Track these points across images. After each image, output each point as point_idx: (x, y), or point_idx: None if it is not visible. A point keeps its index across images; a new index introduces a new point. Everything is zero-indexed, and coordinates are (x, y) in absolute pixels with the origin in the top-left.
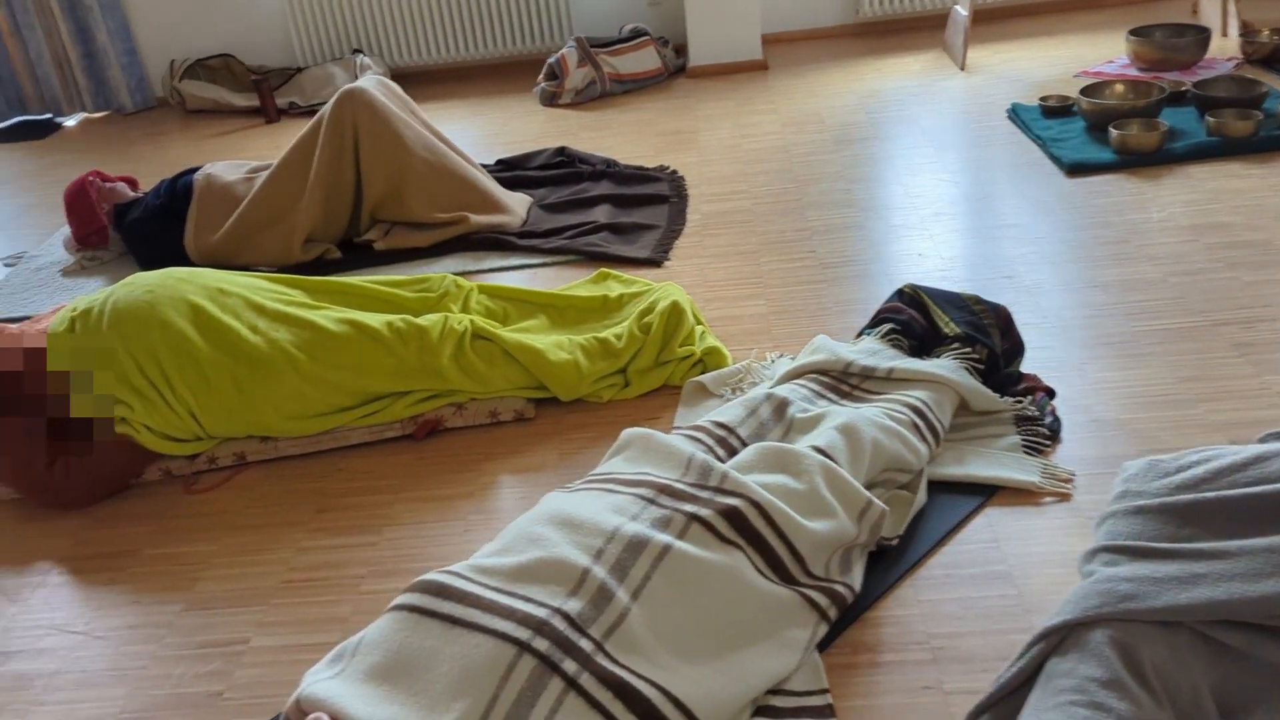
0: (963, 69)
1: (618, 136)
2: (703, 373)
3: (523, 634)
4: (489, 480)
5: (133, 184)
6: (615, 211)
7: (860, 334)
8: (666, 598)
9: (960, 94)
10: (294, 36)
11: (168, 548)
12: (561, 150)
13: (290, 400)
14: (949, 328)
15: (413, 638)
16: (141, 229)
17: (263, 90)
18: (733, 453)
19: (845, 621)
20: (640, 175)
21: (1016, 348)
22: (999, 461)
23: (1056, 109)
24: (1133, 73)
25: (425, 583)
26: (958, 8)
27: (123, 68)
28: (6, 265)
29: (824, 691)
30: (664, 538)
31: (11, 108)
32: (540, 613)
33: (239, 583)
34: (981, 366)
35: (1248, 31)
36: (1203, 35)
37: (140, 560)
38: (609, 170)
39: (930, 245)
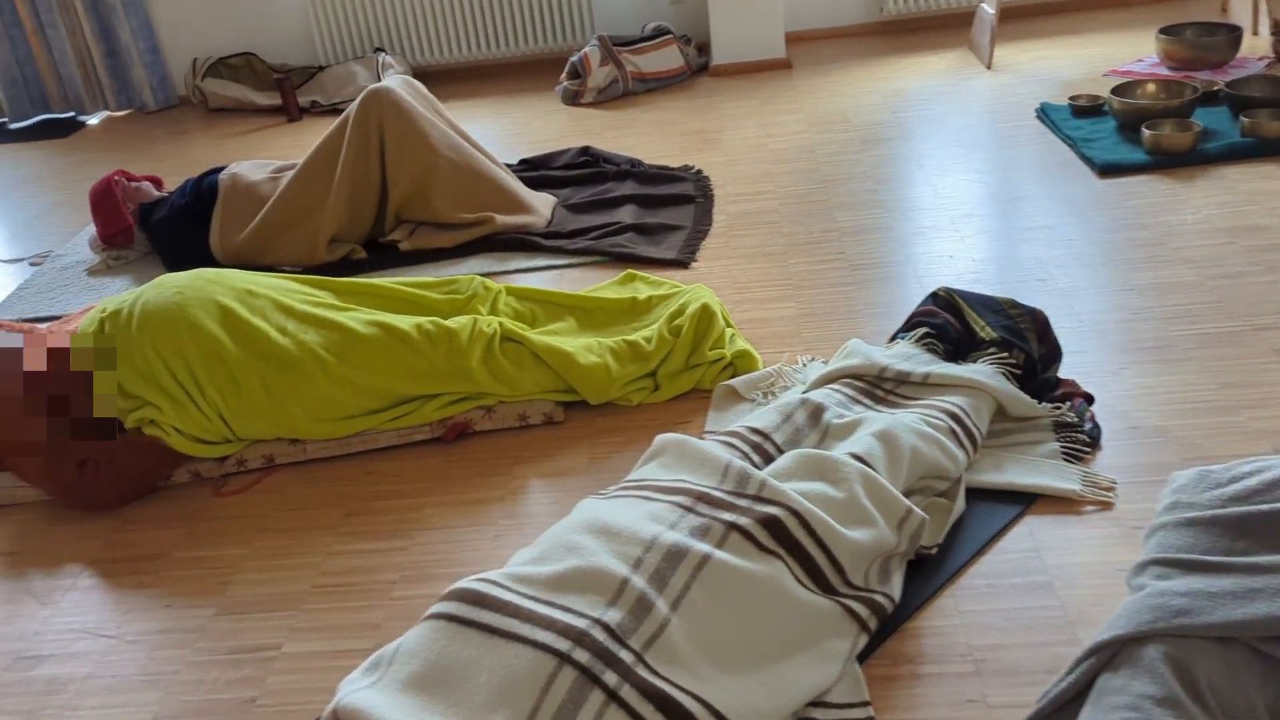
0: (989, 68)
1: (641, 136)
2: (733, 376)
3: (563, 645)
4: (519, 484)
5: (158, 183)
6: (640, 212)
7: (894, 338)
8: (706, 608)
9: (987, 93)
10: (316, 35)
11: (198, 551)
12: (585, 150)
13: (319, 402)
14: (985, 332)
15: (451, 647)
16: (167, 228)
17: (285, 89)
18: (768, 459)
19: (885, 632)
20: (665, 175)
21: (1054, 352)
22: (1038, 469)
23: (1087, 109)
24: (1163, 72)
25: (462, 591)
26: (984, 6)
27: (145, 66)
28: (32, 265)
29: (865, 704)
30: (703, 547)
31: (35, 106)
32: (580, 623)
33: (270, 587)
34: (1019, 371)
35: (1279, 30)
36: (1234, 34)
37: (170, 563)
38: (633, 170)
39: (961, 247)
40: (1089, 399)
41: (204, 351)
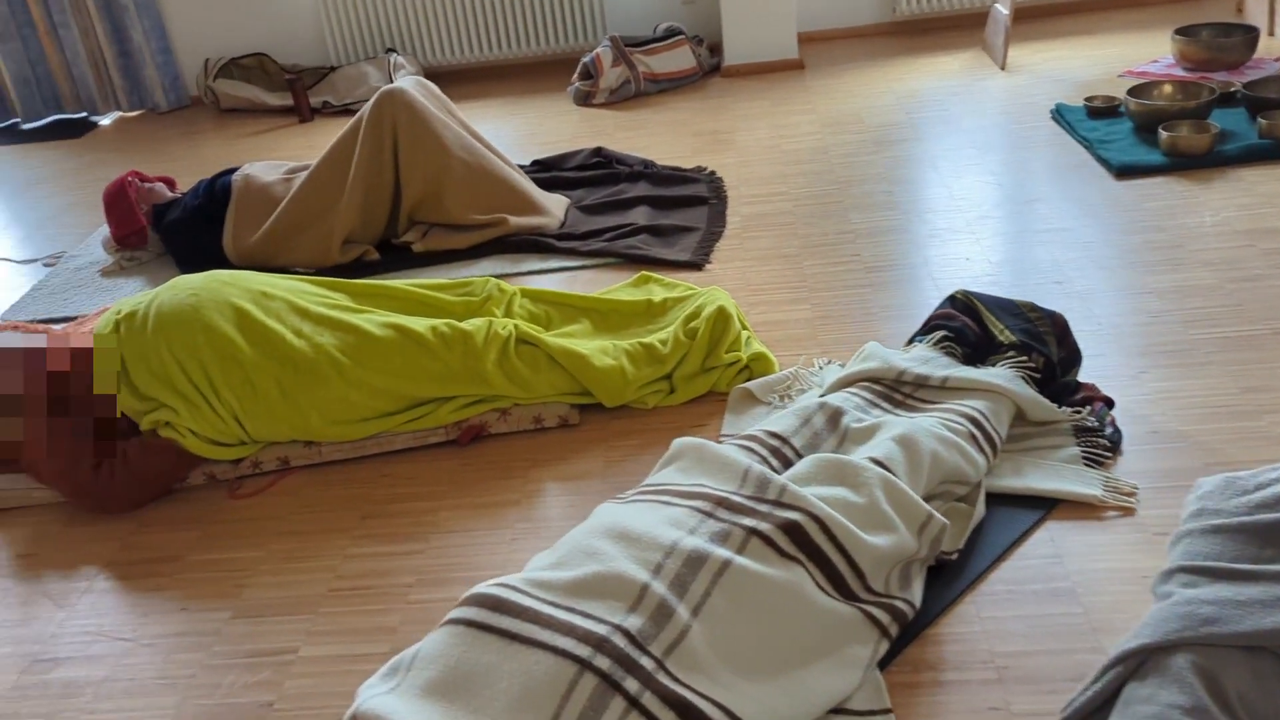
0: (1003, 68)
1: (653, 137)
2: (749, 379)
3: (583, 651)
4: (535, 488)
5: (171, 184)
6: (654, 213)
7: (911, 341)
8: (727, 614)
9: (1001, 94)
10: (327, 35)
11: (213, 553)
12: (598, 151)
13: (334, 405)
14: (1004, 335)
15: (470, 653)
16: (180, 229)
17: (296, 89)
18: (787, 463)
19: (906, 639)
20: (678, 176)
21: (1073, 356)
22: (1059, 474)
23: (1102, 110)
24: (1179, 73)
25: (481, 596)
26: (998, 6)
27: (157, 67)
28: (46, 265)
29: (887, 711)
30: (723, 553)
31: (47, 106)
32: (600, 629)
33: (286, 590)
34: (1038, 375)
35: None
36: (1251, 35)
37: (186, 566)
38: (646, 171)
39: (977, 249)
40: (1109, 403)
41: (219, 353)
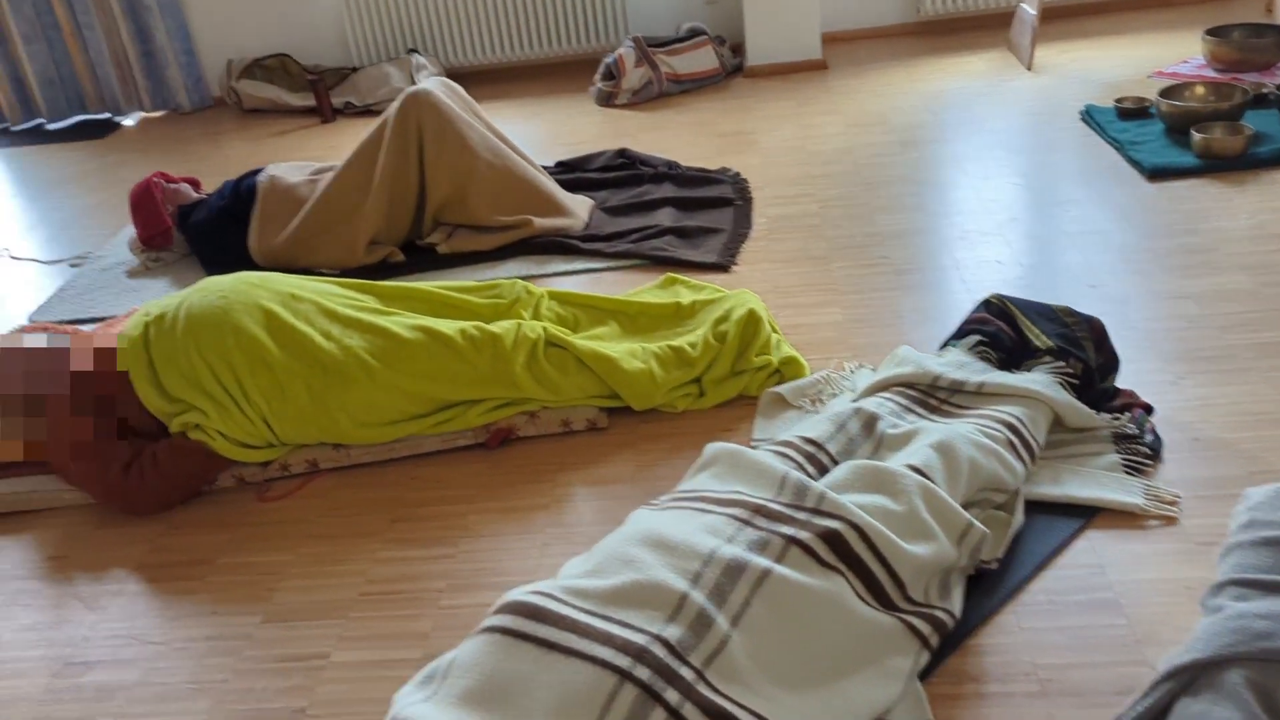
0: (1029, 69)
1: (677, 138)
2: (780, 383)
3: (623, 661)
4: (564, 492)
5: (196, 185)
6: (679, 215)
7: (944, 345)
8: (767, 624)
9: (1029, 95)
10: (349, 36)
11: (243, 556)
12: (622, 152)
13: (364, 407)
14: (1040, 340)
15: (507, 662)
16: (205, 230)
17: (319, 90)
18: (822, 470)
19: (946, 650)
20: (703, 177)
21: (1111, 362)
22: (1098, 481)
23: (1133, 111)
24: (1209, 74)
25: (517, 604)
26: (1025, 6)
27: (181, 67)
28: (72, 266)
29: None
30: (763, 562)
31: (72, 107)
32: (639, 639)
33: (316, 594)
34: (1075, 381)
35: None
36: None
37: (216, 569)
38: (671, 172)
39: (1008, 252)
40: (1148, 409)
41: (248, 356)
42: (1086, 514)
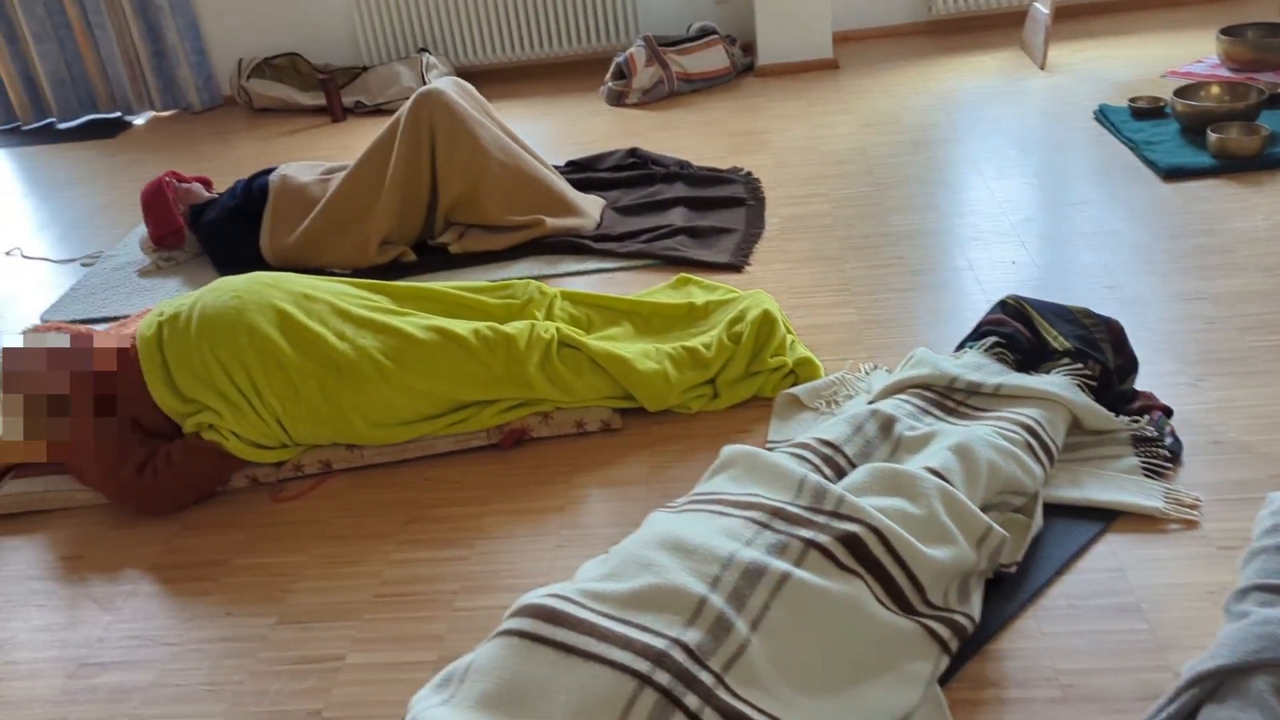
0: (1043, 68)
1: (688, 137)
2: (794, 384)
3: (642, 666)
4: (578, 493)
5: (207, 184)
6: (691, 214)
7: (960, 346)
8: (786, 629)
9: (1042, 94)
10: (360, 35)
11: (257, 558)
12: (633, 151)
13: (377, 408)
14: (1058, 342)
15: (525, 666)
16: (217, 230)
17: (329, 89)
18: (840, 472)
19: (966, 654)
20: (715, 177)
21: (1130, 364)
22: (1118, 485)
23: (1147, 111)
24: (1224, 73)
25: (535, 607)
26: (1038, 5)
27: (191, 67)
28: (84, 265)
29: None
30: (781, 565)
31: (83, 106)
32: (659, 643)
33: (331, 595)
34: (1094, 383)
35: None
36: None
37: (230, 570)
38: (682, 172)
39: (1023, 253)
40: (1168, 412)
41: (262, 356)
42: (1106, 517)
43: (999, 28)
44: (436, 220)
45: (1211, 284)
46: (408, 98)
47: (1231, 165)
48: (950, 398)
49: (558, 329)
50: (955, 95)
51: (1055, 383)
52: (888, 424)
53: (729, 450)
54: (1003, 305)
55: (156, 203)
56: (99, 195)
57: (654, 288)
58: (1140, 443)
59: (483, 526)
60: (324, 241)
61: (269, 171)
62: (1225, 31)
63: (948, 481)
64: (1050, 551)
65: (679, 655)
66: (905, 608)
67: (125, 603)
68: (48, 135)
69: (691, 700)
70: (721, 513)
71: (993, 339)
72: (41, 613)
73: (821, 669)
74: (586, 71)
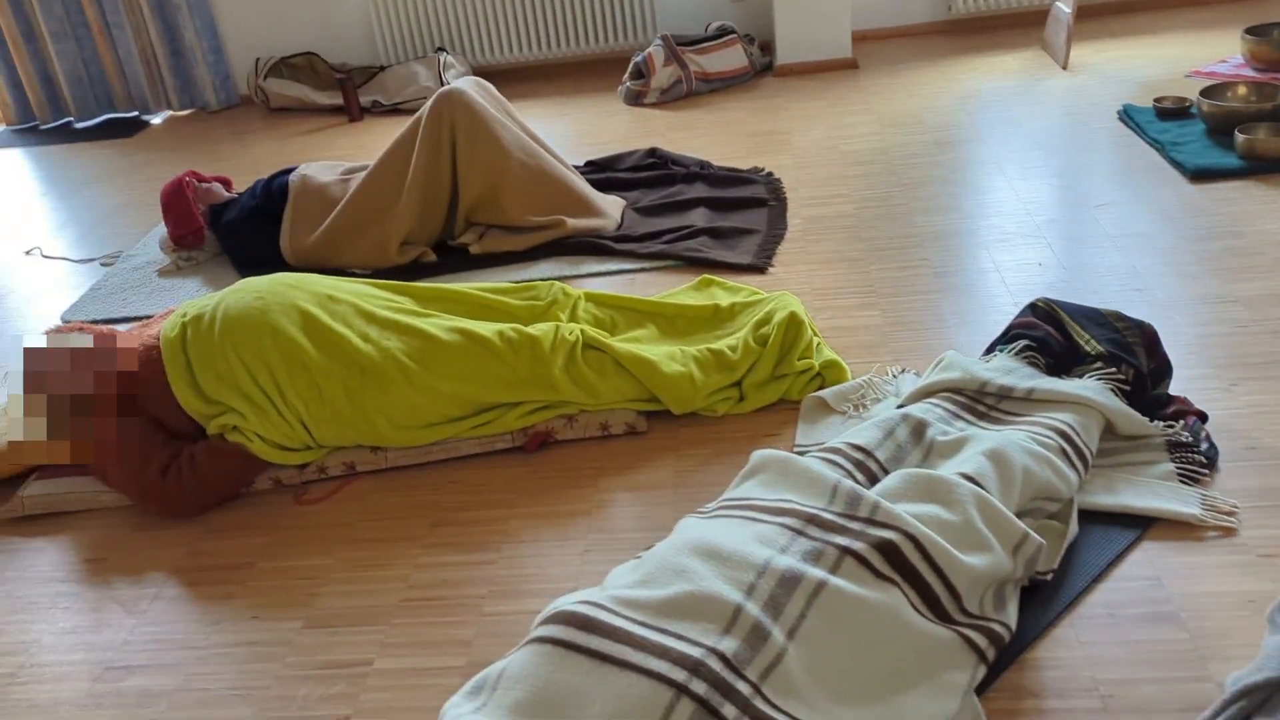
0: (1065, 68)
1: (707, 137)
2: (821, 387)
3: (679, 675)
4: (605, 497)
5: (227, 184)
6: (712, 215)
7: (990, 350)
8: (823, 637)
9: (1065, 94)
10: (377, 35)
11: (282, 561)
12: (653, 151)
13: (402, 410)
14: (1090, 346)
15: (559, 674)
16: (237, 229)
17: (346, 89)
18: (872, 478)
19: (1003, 663)
20: (736, 177)
21: (1164, 368)
22: (1154, 491)
23: (1173, 111)
24: (1249, 73)
25: (568, 614)
26: (1060, 4)
27: (208, 66)
28: (103, 265)
29: None
30: (818, 573)
31: (100, 105)
32: (695, 652)
33: (358, 600)
34: (1127, 388)
35: None
36: None
37: (256, 573)
38: (703, 172)
39: (1049, 254)
40: (1203, 417)
41: (286, 357)
42: (1142, 524)
43: (1019, 27)
44: (457, 220)
45: (1242, 287)
46: (425, 97)
47: (1259, 166)
48: (982, 402)
49: (582, 331)
50: (977, 95)
51: (1088, 387)
52: (919, 428)
53: (759, 455)
54: (1033, 308)
55: (176, 202)
56: (116, 195)
57: (677, 289)
58: (1175, 448)
59: (509, 530)
60: (344, 242)
61: (289, 171)
62: (1250, 31)
63: (982, 487)
64: (1086, 559)
65: (716, 664)
66: (942, 616)
67: (150, 606)
68: (65, 134)
69: (729, 710)
70: (754, 519)
71: (1024, 342)
72: (66, 615)
73: (858, 678)
74: (604, 71)
